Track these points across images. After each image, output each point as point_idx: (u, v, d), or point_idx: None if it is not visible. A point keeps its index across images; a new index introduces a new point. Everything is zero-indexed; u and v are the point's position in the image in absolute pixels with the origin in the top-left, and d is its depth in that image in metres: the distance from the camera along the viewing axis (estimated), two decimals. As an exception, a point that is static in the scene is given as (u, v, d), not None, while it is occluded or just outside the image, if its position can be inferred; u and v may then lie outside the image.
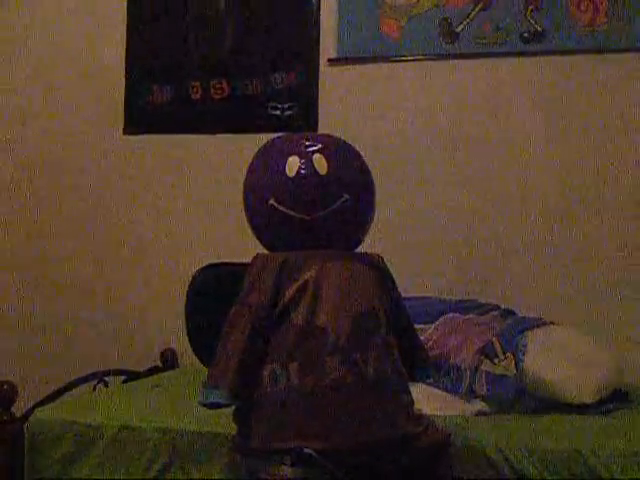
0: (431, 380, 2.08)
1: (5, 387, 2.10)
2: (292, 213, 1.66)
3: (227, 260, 2.47)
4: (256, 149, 1.79)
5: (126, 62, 3.15)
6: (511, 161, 2.82)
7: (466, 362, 2.15)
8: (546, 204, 2.79)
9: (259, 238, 1.76)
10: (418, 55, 2.89)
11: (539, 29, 2.78)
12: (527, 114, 2.81)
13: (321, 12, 2.98)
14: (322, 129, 2.89)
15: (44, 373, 2.94)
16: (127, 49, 3.15)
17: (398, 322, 1.73)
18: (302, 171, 1.66)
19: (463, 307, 2.45)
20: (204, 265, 2.63)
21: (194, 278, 2.61)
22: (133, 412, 2.08)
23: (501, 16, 2.81)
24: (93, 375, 2.56)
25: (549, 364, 2.11)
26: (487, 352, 2.17)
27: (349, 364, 1.57)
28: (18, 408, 2.11)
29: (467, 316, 2.38)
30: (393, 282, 1.77)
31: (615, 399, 2.17)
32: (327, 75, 2.98)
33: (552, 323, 2.36)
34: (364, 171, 1.77)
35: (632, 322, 2.65)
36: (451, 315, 2.38)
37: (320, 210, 1.66)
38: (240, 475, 1.66)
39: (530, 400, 2.12)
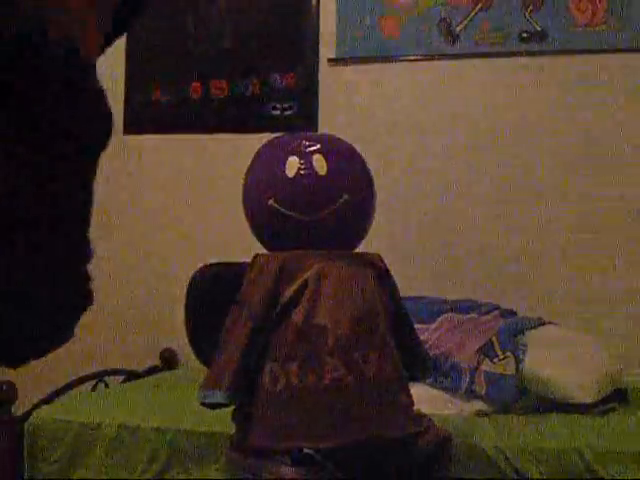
0: (431, 380, 2.09)
1: (5, 387, 2.10)
2: (292, 213, 1.66)
3: (227, 260, 2.47)
4: (256, 149, 1.79)
5: (126, 62, 3.15)
6: (510, 160, 2.82)
7: (466, 362, 2.15)
8: (546, 204, 2.78)
9: (259, 238, 1.76)
10: (418, 55, 2.89)
11: (539, 29, 2.78)
12: (527, 113, 2.81)
13: (321, 12, 2.98)
14: (322, 129, 2.88)
15: (44, 373, 2.92)
16: (127, 49, 3.15)
17: (398, 322, 1.73)
18: (302, 171, 1.66)
19: (463, 307, 2.45)
20: (204, 265, 2.64)
21: (194, 278, 2.61)
22: (132, 412, 2.07)
23: (501, 16, 2.80)
24: (93, 375, 2.56)
25: (549, 364, 2.11)
26: (487, 352, 2.17)
27: (349, 364, 1.57)
28: (18, 408, 2.11)
29: (467, 316, 2.38)
30: (393, 282, 1.77)
31: (615, 399, 2.17)
32: (327, 75, 2.97)
33: (552, 323, 2.36)
34: (364, 171, 1.77)
35: (632, 322, 2.65)
36: (451, 315, 2.38)
37: (320, 210, 1.66)
38: (239, 475, 1.66)
39: (530, 400, 2.11)
